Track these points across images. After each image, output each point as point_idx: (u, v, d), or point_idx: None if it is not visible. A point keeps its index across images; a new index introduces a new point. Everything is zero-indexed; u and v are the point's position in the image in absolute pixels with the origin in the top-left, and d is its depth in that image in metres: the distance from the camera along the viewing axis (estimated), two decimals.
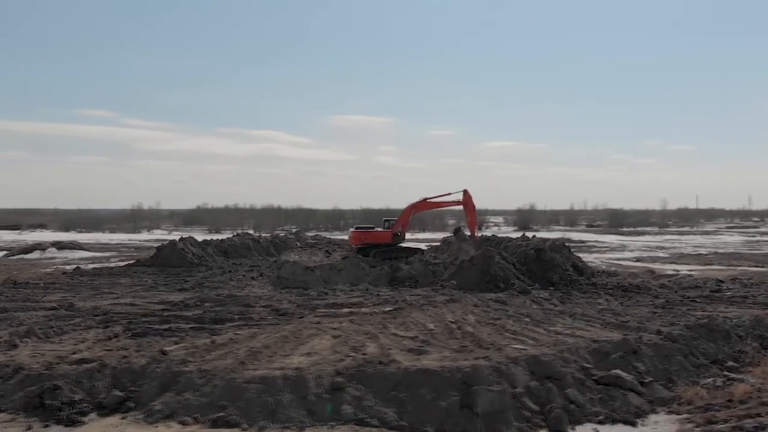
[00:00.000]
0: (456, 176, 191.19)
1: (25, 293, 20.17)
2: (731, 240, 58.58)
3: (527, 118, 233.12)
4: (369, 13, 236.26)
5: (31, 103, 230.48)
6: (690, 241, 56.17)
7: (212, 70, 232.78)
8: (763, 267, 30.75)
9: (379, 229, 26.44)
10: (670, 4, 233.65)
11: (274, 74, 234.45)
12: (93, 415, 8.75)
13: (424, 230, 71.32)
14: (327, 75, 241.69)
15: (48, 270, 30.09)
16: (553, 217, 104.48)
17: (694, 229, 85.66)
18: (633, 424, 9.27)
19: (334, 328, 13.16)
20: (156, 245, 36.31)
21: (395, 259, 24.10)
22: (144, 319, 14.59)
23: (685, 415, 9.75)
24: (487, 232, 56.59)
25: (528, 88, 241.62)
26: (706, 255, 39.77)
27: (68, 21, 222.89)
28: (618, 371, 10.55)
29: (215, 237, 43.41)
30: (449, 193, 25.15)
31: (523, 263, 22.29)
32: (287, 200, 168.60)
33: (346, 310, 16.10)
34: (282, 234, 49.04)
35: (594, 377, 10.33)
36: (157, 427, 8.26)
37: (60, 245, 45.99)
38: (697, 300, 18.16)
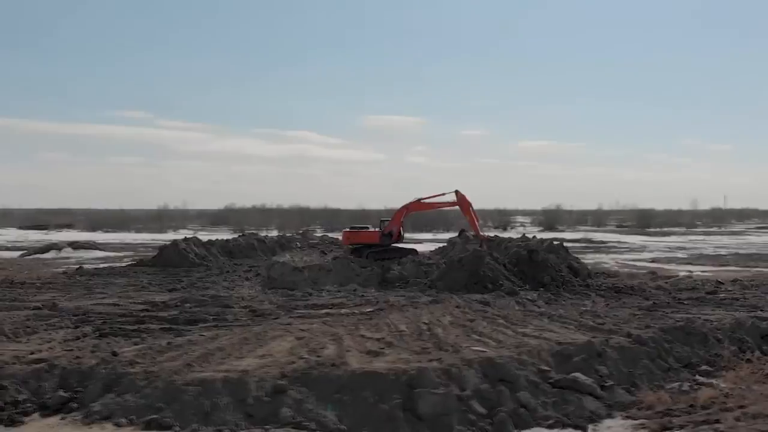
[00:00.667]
0: (487, 176, 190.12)
1: (17, 293, 20.37)
2: (757, 241, 57.19)
3: (563, 118, 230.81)
4: (401, 13, 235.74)
5: (69, 105, 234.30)
6: (714, 242, 55.04)
7: (247, 71, 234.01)
8: None
9: (375, 229, 26.33)
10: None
11: (308, 75, 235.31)
12: (35, 416, 8.76)
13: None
14: (359, 75, 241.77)
15: (59, 270, 30.32)
16: (580, 218, 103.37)
17: (722, 229, 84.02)
18: (584, 429, 9.05)
19: (303, 330, 13.07)
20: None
21: (388, 260, 23.98)
22: (119, 320, 14.65)
23: (641, 420, 9.48)
24: (513, 233, 56.00)
25: (563, 87, 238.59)
26: (725, 256, 38.99)
27: (106, 23, 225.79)
28: (577, 374, 10.32)
29: (227, 237, 43.41)
30: (443, 193, 24.95)
31: (515, 264, 22.01)
32: (317, 200, 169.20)
33: (324, 311, 16.02)
34: (289, 234, 49.08)
35: (551, 380, 10.12)
36: (91, 427, 8.25)
37: (76, 245, 46.53)
38: (685, 302, 17.78)
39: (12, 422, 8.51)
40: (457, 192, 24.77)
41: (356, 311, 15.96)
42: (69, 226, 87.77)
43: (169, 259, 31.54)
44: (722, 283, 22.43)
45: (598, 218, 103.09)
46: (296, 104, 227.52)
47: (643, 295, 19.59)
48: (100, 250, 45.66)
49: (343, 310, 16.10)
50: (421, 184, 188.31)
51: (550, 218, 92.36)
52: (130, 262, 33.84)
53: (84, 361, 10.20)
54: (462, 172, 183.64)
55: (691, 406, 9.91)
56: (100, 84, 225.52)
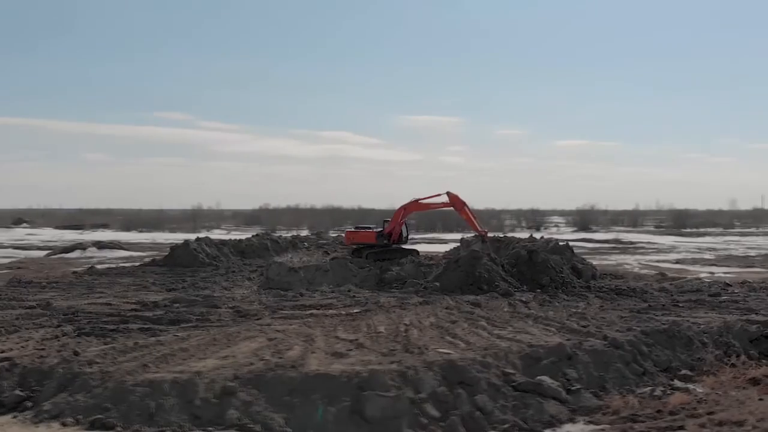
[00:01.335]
0: (524, 176, 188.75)
1: (19, 292, 20.70)
2: None
3: (600, 117, 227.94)
4: (438, 13, 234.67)
5: (109, 106, 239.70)
6: (748, 243, 53.57)
7: (285, 72, 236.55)
8: None
9: (377, 229, 26.20)
10: None
11: (344, 75, 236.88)
12: None
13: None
14: (396, 75, 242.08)
15: (80, 269, 30.56)
16: (615, 218, 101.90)
17: (759, 230, 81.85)
18: None
19: (278, 331, 13.01)
20: None
21: (387, 260, 23.84)
22: (105, 320, 14.75)
23: (603, 426, 9.24)
24: (546, 234, 55.25)
25: (599, 86, 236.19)
26: (753, 257, 38.00)
27: (146, 24, 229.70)
28: (543, 377, 10.11)
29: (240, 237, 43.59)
30: (439, 194, 24.71)
31: (514, 265, 21.67)
32: (353, 200, 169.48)
33: (309, 312, 15.97)
34: (304, 234, 49.26)
35: (514, 383, 9.92)
36: (38, 426, 8.31)
37: (100, 245, 47.28)
38: (681, 305, 17.31)
39: None
40: (448, 193, 24.52)
41: (343, 312, 15.89)
42: (104, 226, 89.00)
43: (179, 258, 31.75)
44: (730, 285, 21.81)
45: (633, 219, 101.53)
46: (333, 105, 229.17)
47: (642, 297, 19.13)
48: (125, 249, 46.18)
49: (329, 311, 16.03)
50: (458, 184, 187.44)
51: (585, 219, 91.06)
52: (142, 262, 34.19)
53: (47, 360, 10.29)
54: (498, 171, 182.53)
55: (658, 411, 9.62)
56: (141, 85, 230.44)
